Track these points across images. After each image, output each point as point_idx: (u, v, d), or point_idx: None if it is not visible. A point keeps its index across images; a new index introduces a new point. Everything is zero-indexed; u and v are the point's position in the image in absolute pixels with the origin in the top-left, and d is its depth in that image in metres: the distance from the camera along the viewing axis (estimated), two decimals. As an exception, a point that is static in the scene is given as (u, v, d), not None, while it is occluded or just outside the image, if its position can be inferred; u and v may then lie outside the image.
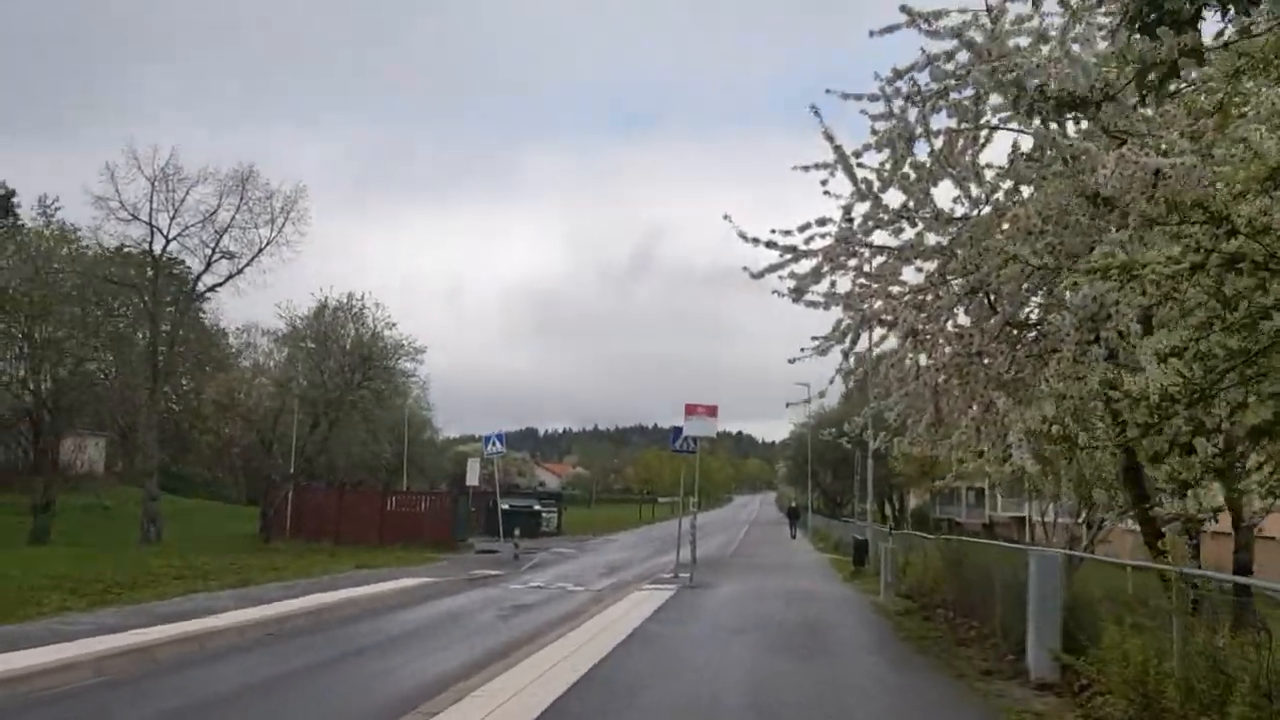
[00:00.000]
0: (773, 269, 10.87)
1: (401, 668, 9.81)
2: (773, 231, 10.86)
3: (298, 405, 31.37)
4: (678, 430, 21.94)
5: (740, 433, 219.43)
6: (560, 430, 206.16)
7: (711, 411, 19.65)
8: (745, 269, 11.03)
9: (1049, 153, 9.30)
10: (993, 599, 11.72)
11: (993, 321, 9.71)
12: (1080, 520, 25.50)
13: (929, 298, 10.19)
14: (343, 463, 48.09)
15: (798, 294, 10.72)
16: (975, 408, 9.68)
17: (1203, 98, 8.26)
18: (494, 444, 28.33)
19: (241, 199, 31.46)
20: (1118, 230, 8.58)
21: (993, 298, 9.94)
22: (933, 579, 14.90)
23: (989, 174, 9.87)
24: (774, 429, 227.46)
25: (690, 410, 19.70)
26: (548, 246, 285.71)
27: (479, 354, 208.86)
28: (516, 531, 28.98)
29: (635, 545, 38.71)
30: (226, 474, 40.56)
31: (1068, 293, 8.25)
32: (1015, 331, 10.47)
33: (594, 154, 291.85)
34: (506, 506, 43.71)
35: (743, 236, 10.77)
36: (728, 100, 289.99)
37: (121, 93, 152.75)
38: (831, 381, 11.13)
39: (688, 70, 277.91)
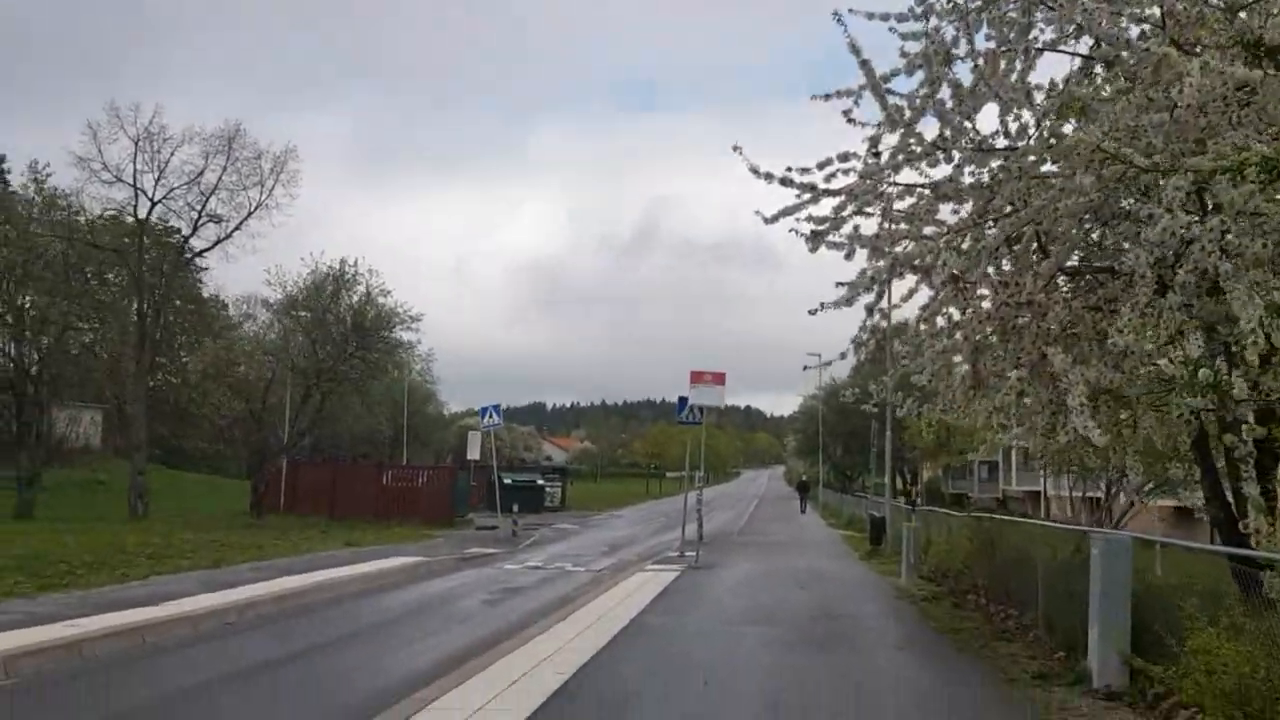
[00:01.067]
0: (788, 212, 9.54)
1: (360, 668, 8.57)
2: (789, 170, 9.57)
3: (290, 376, 30.06)
4: (683, 400, 20.62)
5: (749, 406, 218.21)
6: (568, 405, 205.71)
7: (719, 379, 18.24)
8: (758, 212, 9.74)
9: (1118, 67, 7.96)
10: (1033, 586, 10.42)
11: (1044, 266, 8.35)
12: (1110, 495, 24.17)
13: (967, 241, 8.84)
14: (342, 436, 47.03)
15: (816, 238, 9.41)
16: (1019, 368, 8.32)
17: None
18: (491, 415, 27.00)
19: (228, 159, 30.10)
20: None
21: (1044, 239, 8.58)
22: (962, 561, 13.58)
23: (1039, 96, 8.53)
24: (783, 403, 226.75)
25: (696, 378, 18.30)
26: (554, 222, 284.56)
27: (487, 329, 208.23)
28: (515, 507, 27.80)
29: (640, 521, 37.53)
30: (226, 447, 39.36)
31: (1143, 228, 6.87)
32: (1070, 278, 9.11)
33: (599, 129, 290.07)
34: (508, 481, 42.56)
35: (754, 172, 9.44)
36: (732, 76, 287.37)
37: (119, 65, 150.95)
38: (857, 343, 9.84)
39: (692, 46, 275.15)
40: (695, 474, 19.84)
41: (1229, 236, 6.66)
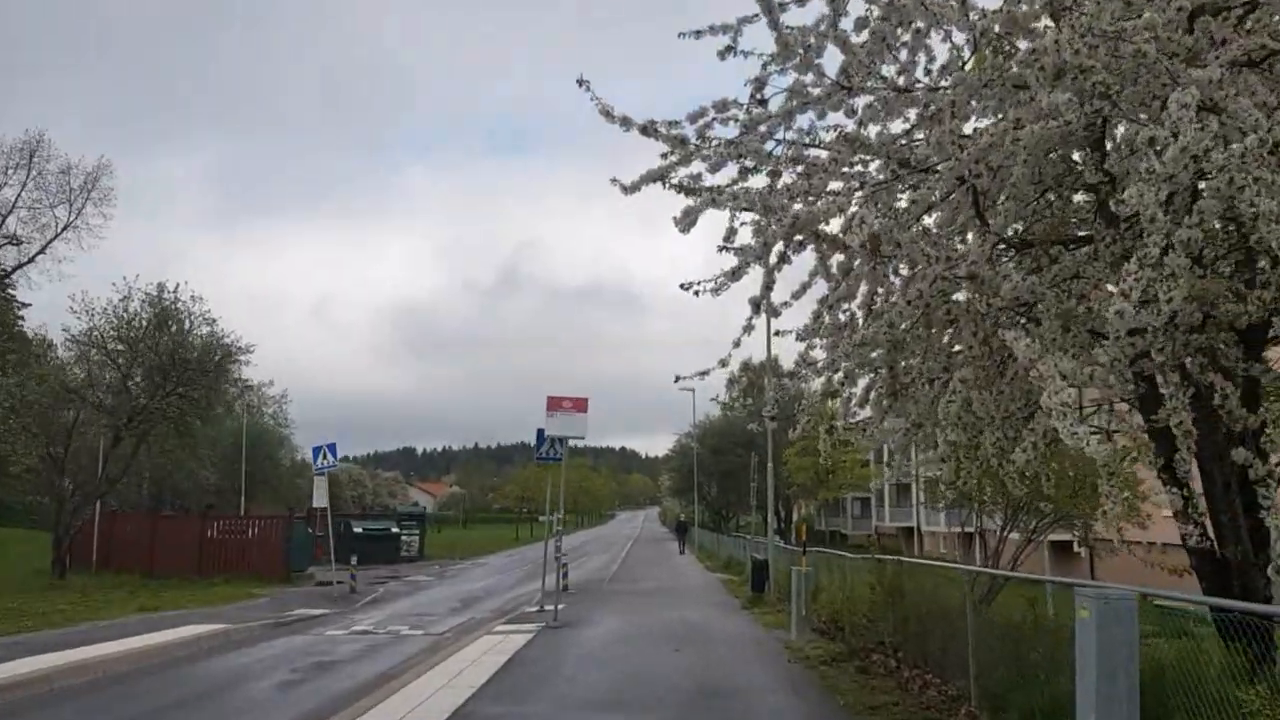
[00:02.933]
0: (655, 177, 7.33)
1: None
2: (651, 123, 7.35)
3: (96, 417, 26.12)
4: (541, 435, 18.05)
5: (624, 448, 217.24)
6: (440, 449, 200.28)
7: (579, 405, 15.69)
8: (614, 181, 7.47)
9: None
10: (959, 646, 8.32)
11: (995, 223, 6.30)
12: (1004, 531, 22.61)
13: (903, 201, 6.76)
14: (185, 486, 42.24)
15: (687, 215, 7.18)
16: (969, 362, 6.23)
17: None
18: (325, 455, 23.73)
19: (29, 173, 26.24)
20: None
21: (981, 200, 6.55)
22: (865, 613, 11.44)
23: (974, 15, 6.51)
24: (656, 444, 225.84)
25: (553, 405, 15.69)
26: (422, 267, 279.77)
27: (353, 373, 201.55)
28: (354, 559, 24.60)
29: (504, 569, 34.60)
30: (32, 499, 34.60)
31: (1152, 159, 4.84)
32: (1016, 252, 7.08)
33: (467, 175, 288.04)
34: (358, 530, 38.94)
35: (607, 115, 7.17)
36: (595, 122, 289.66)
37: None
38: (735, 344, 7.64)
39: (554, 93, 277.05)
40: (554, 517, 17.22)
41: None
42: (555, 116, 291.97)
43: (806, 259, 7.48)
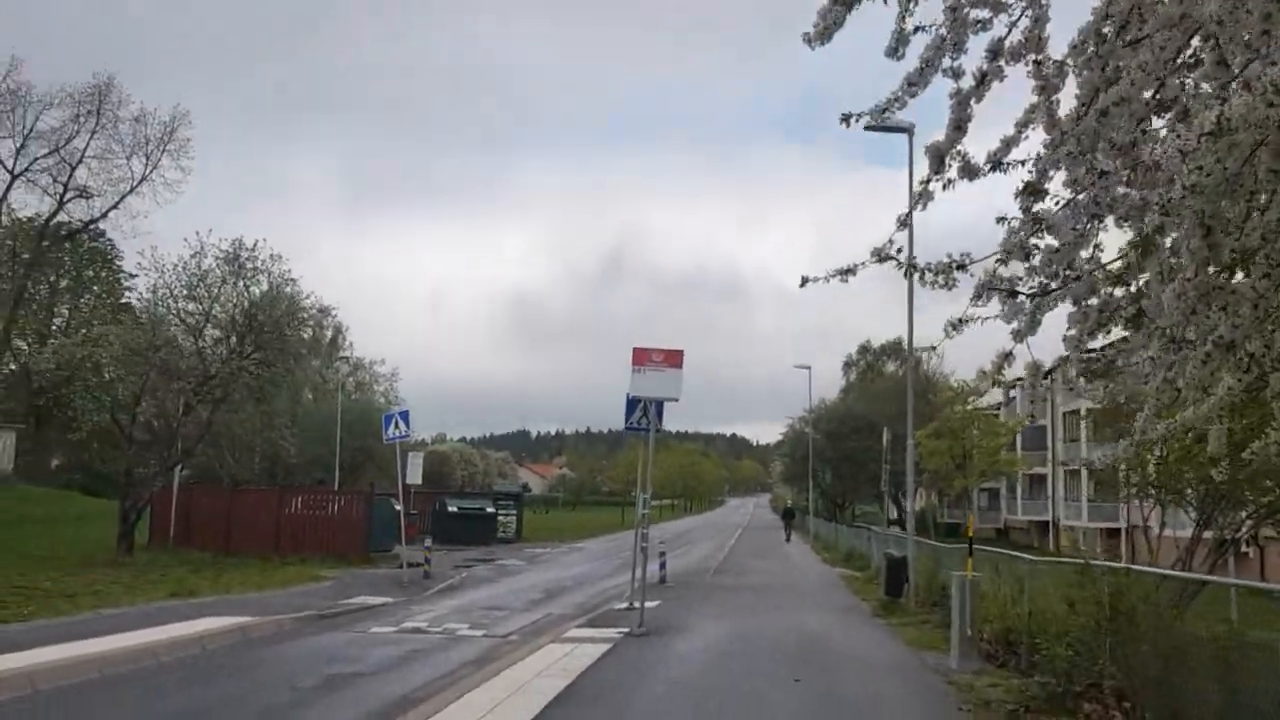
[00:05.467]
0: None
1: None
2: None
3: (161, 381, 24.26)
4: (631, 403, 15.03)
5: (734, 434, 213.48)
6: (553, 432, 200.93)
7: (673, 360, 12.50)
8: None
9: None
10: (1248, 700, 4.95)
11: None
12: (1199, 527, 18.53)
13: None
14: (284, 461, 40.86)
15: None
16: None
17: None
18: (397, 424, 21.16)
19: (98, 121, 24.43)
20: None
21: None
22: (1066, 637, 8.04)
23: None
24: (766, 431, 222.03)
25: (640, 359, 12.56)
26: (535, 256, 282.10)
27: (471, 359, 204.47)
28: (428, 541, 22.16)
29: (601, 556, 31.84)
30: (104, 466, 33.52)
31: None
32: None
33: (582, 166, 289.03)
34: (453, 509, 36.81)
35: None
36: (709, 116, 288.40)
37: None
38: (928, 186, 4.52)
39: (672, 86, 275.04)
40: (642, 497, 14.08)
41: None
42: (661, 110, 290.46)
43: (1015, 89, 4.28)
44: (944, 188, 4.56)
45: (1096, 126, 3.68)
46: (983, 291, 3.78)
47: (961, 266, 3.65)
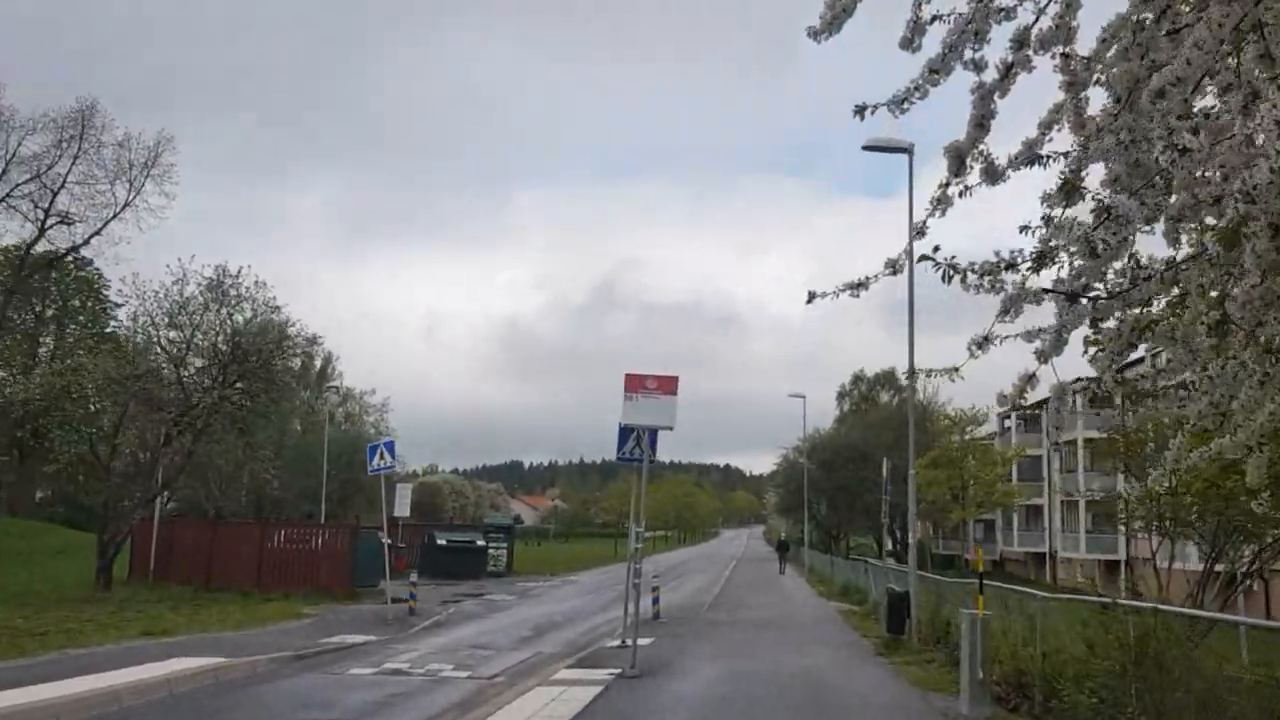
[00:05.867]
0: None
1: None
2: None
3: (140, 411, 23.69)
4: (623, 433, 14.49)
5: (727, 465, 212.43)
6: (545, 463, 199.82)
7: (665, 386, 12.01)
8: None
9: None
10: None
11: None
12: (1210, 560, 17.97)
13: None
14: (270, 495, 40.13)
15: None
16: None
17: None
18: (382, 455, 20.56)
19: (80, 146, 24.01)
20: None
21: None
22: (1086, 682, 7.50)
23: None
24: (759, 462, 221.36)
25: (633, 385, 12.05)
26: (525, 288, 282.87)
27: (463, 393, 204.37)
28: (413, 576, 21.51)
29: (593, 589, 31.14)
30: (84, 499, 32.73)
31: None
32: None
33: (577, 198, 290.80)
34: (442, 542, 36.03)
35: None
36: (705, 149, 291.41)
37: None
38: (946, 190, 4.07)
39: (665, 123, 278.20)
40: (635, 530, 13.49)
41: None
42: (654, 143, 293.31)
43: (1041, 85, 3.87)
44: (960, 194, 4.15)
45: (1152, 110, 3.23)
46: (1022, 300, 3.30)
47: (1012, 265, 3.18)
